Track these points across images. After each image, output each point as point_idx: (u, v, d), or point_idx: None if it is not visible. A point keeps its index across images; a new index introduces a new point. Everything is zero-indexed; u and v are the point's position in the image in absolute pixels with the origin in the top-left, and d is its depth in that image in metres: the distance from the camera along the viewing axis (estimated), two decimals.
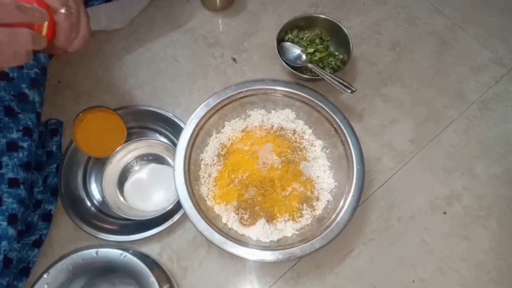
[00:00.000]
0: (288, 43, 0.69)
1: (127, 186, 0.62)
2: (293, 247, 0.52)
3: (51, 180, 0.60)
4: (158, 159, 0.64)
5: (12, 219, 0.49)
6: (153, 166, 0.63)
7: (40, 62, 0.57)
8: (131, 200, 0.61)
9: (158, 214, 0.57)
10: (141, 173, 0.63)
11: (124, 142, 0.61)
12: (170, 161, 0.63)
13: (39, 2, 0.39)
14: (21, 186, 0.50)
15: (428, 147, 0.67)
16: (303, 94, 0.61)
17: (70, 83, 0.70)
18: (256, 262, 0.59)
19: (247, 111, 0.64)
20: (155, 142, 0.62)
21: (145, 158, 0.64)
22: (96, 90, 0.70)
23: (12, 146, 0.50)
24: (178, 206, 0.57)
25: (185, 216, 0.56)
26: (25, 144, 0.52)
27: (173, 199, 0.58)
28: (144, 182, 0.62)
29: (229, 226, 0.56)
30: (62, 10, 0.41)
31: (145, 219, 0.58)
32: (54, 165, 0.61)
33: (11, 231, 0.49)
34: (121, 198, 0.61)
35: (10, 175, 0.49)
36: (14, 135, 0.51)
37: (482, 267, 0.59)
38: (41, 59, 0.58)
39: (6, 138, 0.50)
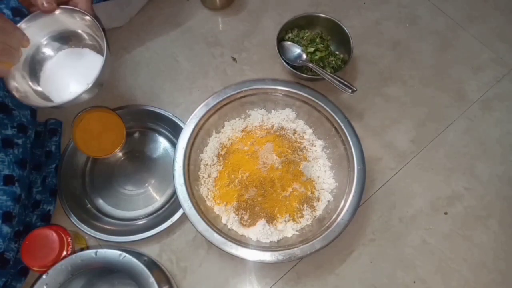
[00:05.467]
0: (289, 43, 0.69)
1: (44, 76, 0.53)
2: (293, 247, 0.52)
3: (50, 180, 0.60)
4: (72, 39, 0.54)
5: (6, 217, 0.48)
6: (70, 51, 0.54)
7: None
8: (48, 91, 0.53)
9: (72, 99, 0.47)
10: (57, 61, 0.53)
11: (124, 142, 0.61)
12: (89, 40, 0.53)
13: None
14: (16, 184, 0.50)
15: (429, 147, 0.67)
16: (303, 94, 0.60)
17: None
18: (256, 263, 0.58)
19: (247, 111, 0.64)
20: (68, 13, 0.50)
21: (59, 37, 0.53)
22: None
23: (7, 143, 0.50)
24: (177, 206, 0.57)
25: (184, 216, 0.56)
26: (20, 141, 0.52)
27: (90, 81, 0.48)
28: (60, 71, 0.53)
29: (229, 227, 0.56)
30: None
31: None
32: (53, 165, 0.61)
33: (6, 229, 0.48)
34: (31, 84, 0.52)
35: (6, 172, 0.49)
36: (9, 131, 0.51)
37: (483, 267, 0.59)
38: None
39: (1, 135, 0.49)
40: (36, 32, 0.51)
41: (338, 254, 0.59)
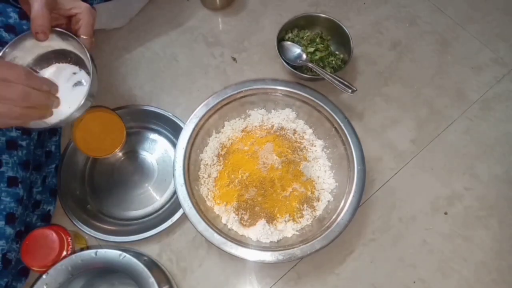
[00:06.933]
0: (289, 43, 0.69)
1: None
2: (293, 247, 0.52)
3: (50, 181, 0.60)
4: (60, 58, 0.53)
5: (10, 218, 0.48)
6: (58, 71, 0.52)
7: None
8: None
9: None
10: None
11: (124, 142, 0.61)
12: (76, 58, 0.52)
13: None
14: (19, 185, 0.50)
15: (429, 147, 0.67)
16: (303, 94, 0.60)
17: None
18: (256, 263, 0.58)
19: (247, 111, 0.64)
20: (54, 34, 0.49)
21: (46, 58, 0.52)
22: None
23: (11, 144, 0.50)
24: (177, 206, 0.57)
25: (184, 216, 0.56)
26: (24, 143, 0.52)
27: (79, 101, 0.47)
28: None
29: (229, 227, 0.56)
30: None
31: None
32: (53, 165, 0.61)
33: (9, 230, 0.48)
34: None
35: (10, 173, 0.49)
36: (13, 133, 0.51)
37: (483, 267, 0.59)
38: None
39: (5, 136, 0.50)
40: (22, 55, 0.50)
41: (338, 254, 0.59)
